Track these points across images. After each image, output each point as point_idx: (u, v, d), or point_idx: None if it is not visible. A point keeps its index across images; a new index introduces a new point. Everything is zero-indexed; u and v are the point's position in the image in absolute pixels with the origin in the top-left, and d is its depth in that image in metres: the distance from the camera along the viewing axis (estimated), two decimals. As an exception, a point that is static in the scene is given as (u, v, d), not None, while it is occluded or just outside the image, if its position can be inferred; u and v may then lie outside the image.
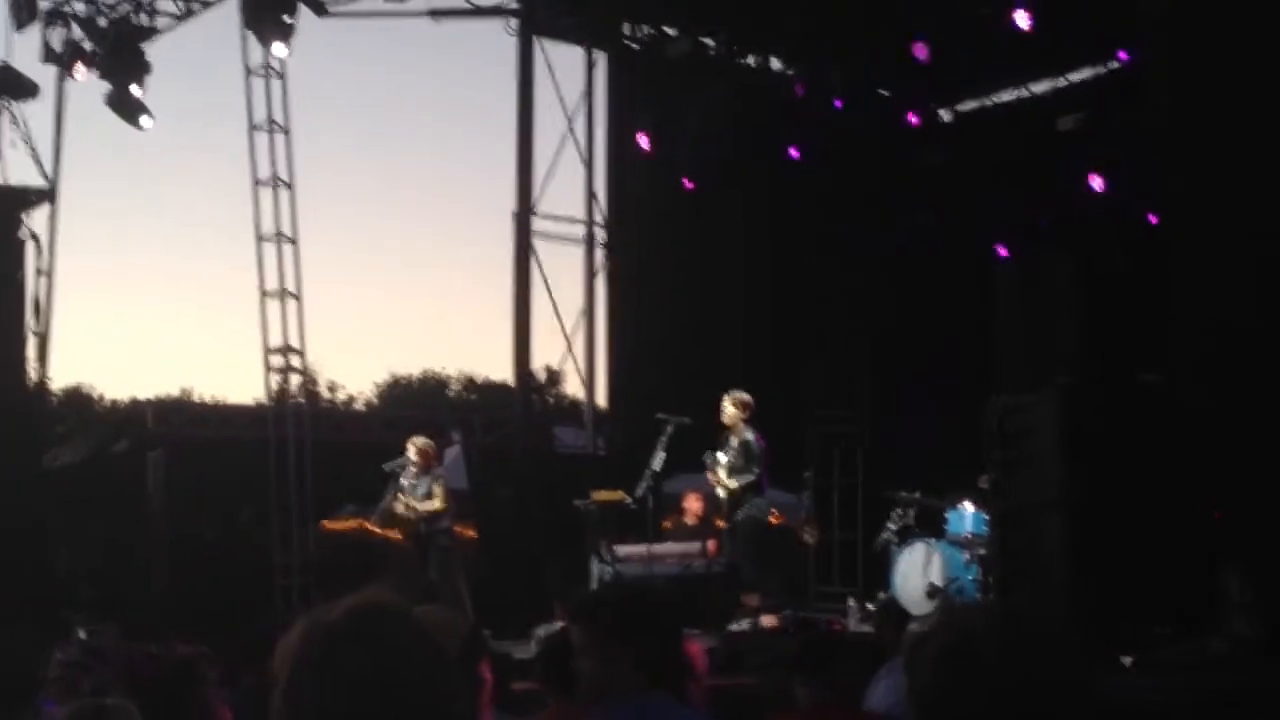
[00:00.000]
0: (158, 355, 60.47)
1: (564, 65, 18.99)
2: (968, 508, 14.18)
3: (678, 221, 18.99)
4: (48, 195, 17.02)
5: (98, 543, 16.84)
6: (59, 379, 35.35)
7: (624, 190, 19.32)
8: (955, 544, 14.11)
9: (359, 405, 47.56)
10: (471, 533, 15.87)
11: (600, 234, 19.31)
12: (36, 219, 16.40)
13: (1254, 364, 10.77)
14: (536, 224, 18.34)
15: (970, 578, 13.82)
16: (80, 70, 17.19)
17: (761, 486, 13.97)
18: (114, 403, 41.37)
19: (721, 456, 13.91)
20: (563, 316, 18.80)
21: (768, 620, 13.51)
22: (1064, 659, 2.47)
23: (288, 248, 16.63)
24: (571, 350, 19.09)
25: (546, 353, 19.40)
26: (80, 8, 17.19)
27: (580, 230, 19.28)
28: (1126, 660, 9.35)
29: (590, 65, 19.38)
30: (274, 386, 16.79)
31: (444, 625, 3.34)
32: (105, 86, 16.96)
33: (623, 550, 14.52)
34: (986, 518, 13.09)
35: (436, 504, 14.61)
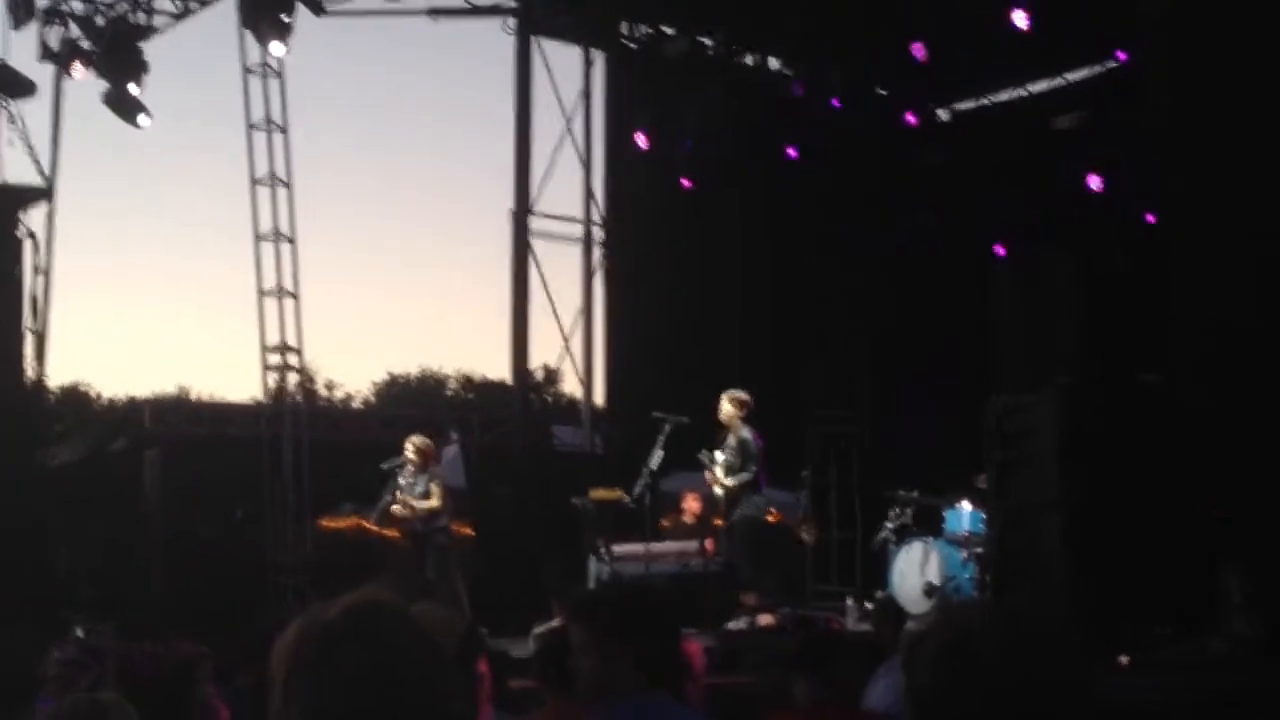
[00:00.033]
0: (155, 354, 60.52)
1: (562, 65, 19.01)
2: (965, 507, 14.19)
3: (676, 221, 18.99)
4: (45, 194, 17.00)
5: (98, 543, 16.83)
6: (56, 378, 35.33)
7: (622, 189, 19.31)
8: (953, 543, 14.12)
9: (356, 404, 47.58)
10: (469, 531, 15.86)
11: (598, 233, 19.31)
12: (34, 217, 16.38)
13: (1254, 364, 10.77)
14: (534, 223, 18.35)
15: (967, 576, 13.83)
16: (78, 69, 17.18)
17: (759, 485, 13.96)
18: (111, 401, 41.37)
19: (719, 455, 13.91)
20: (561, 315, 18.82)
21: (765, 619, 13.51)
22: (1063, 659, 2.46)
23: (285, 246, 16.66)
24: (569, 349, 19.10)
25: (544, 352, 19.42)
26: (78, 6, 17.19)
27: (578, 229, 19.28)
28: (1123, 659, 9.34)
29: (588, 64, 19.38)
30: (271, 385, 16.81)
31: (441, 623, 3.33)
32: (103, 85, 16.95)
33: (620, 549, 14.52)
34: (984, 516, 13.10)
35: (433, 503, 14.59)
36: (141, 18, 17.13)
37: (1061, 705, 2.41)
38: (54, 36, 17.28)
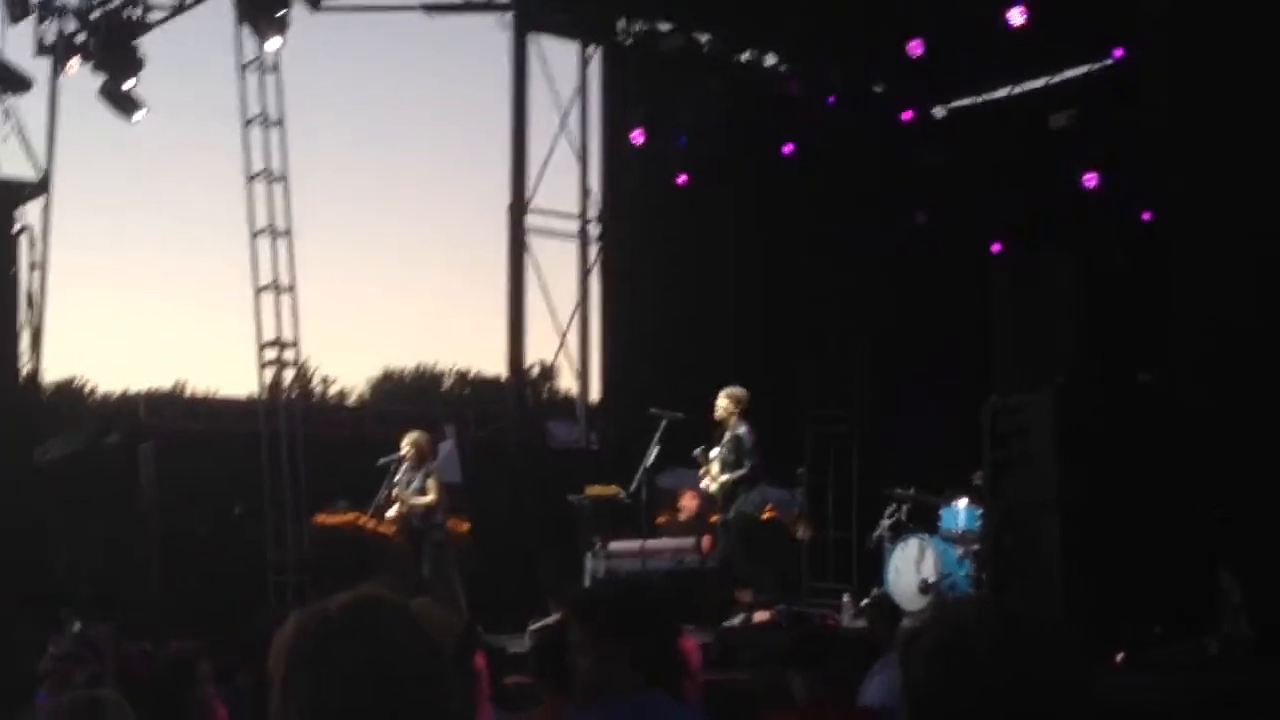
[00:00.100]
0: (151, 349, 60.28)
1: (558, 61, 19.00)
2: (961, 504, 14.20)
3: (672, 217, 18.99)
4: (41, 188, 16.96)
5: (97, 542, 16.80)
6: (52, 373, 35.26)
7: (618, 185, 19.30)
8: (948, 540, 14.13)
9: (351, 400, 47.49)
10: (465, 527, 15.84)
11: (594, 229, 19.30)
12: (30, 212, 16.36)
13: (1253, 364, 10.77)
14: (530, 219, 18.35)
15: (963, 574, 13.84)
16: (73, 64, 17.16)
17: (754, 481, 13.95)
18: (106, 396, 41.28)
19: (713, 452, 13.91)
20: (557, 311, 18.82)
21: (760, 616, 13.50)
22: (1059, 658, 2.46)
23: (282, 241, 16.65)
24: (565, 345, 19.10)
25: (540, 348, 19.37)
26: (73, 1, 17.17)
27: (574, 225, 19.27)
28: (1119, 657, 9.35)
29: (584, 61, 19.37)
30: (267, 380, 16.79)
31: (438, 620, 3.33)
32: (99, 80, 16.93)
33: (616, 545, 14.52)
34: (980, 514, 13.10)
35: (429, 498, 14.58)
36: (137, 12, 17.10)
37: (1057, 704, 2.41)
38: (50, 31, 17.26)
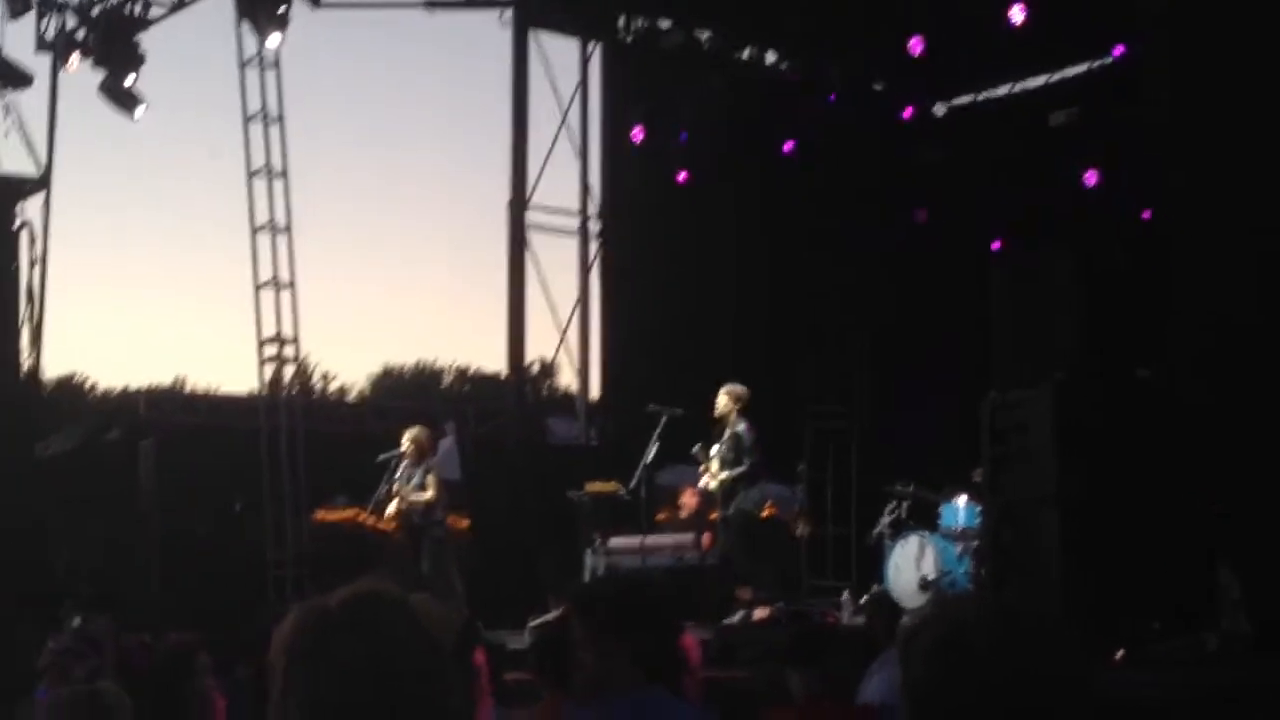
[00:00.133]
0: (151, 346, 60.24)
1: (558, 57, 19.00)
2: (961, 501, 14.19)
3: (672, 214, 18.99)
4: (42, 184, 16.97)
5: (97, 542, 16.79)
6: (52, 369, 35.26)
7: (618, 182, 19.29)
8: (948, 537, 14.12)
9: (351, 396, 47.45)
10: (464, 524, 15.85)
11: (594, 226, 19.29)
12: (30, 208, 16.36)
13: (1253, 359, 10.77)
14: (531, 216, 18.35)
15: (963, 571, 13.83)
16: (74, 60, 17.16)
17: (754, 478, 13.95)
18: (106, 392, 41.26)
19: (713, 449, 13.91)
20: (557, 308, 18.81)
21: (760, 613, 13.50)
22: (1058, 654, 2.46)
23: (282, 237, 16.65)
24: (565, 342, 19.10)
25: (540, 344, 19.39)
26: (74, -3, 17.17)
27: (574, 222, 19.27)
28: (1119, 654, 9.35)
29: (585, 57, 19.36)
30: (267, 376, 16.80)
31: (438, 616, 3.34)
32: (99, 76, 16.93)
33: (616, 542, 14.52)
34: (979, 511, 13.09)
35: (429, 495, 14.58)
36: (138, 8, 17.10)
37: (1057, 700, 2.41)
38: (50, 27, 17.27)
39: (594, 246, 19.25)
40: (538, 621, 11.66)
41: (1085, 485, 10.15)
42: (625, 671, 4.18)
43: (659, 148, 19.00)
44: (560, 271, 19.25)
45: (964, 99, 20.77)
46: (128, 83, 16.88)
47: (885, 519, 14.80)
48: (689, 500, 15.01)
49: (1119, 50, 17.92)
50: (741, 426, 13.82)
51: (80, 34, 17.12)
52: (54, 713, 4.94)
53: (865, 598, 13.72)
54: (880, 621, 10.64)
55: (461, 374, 48.66)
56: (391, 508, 14.66)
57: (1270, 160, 11.17)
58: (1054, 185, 18.61)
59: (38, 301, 16.64)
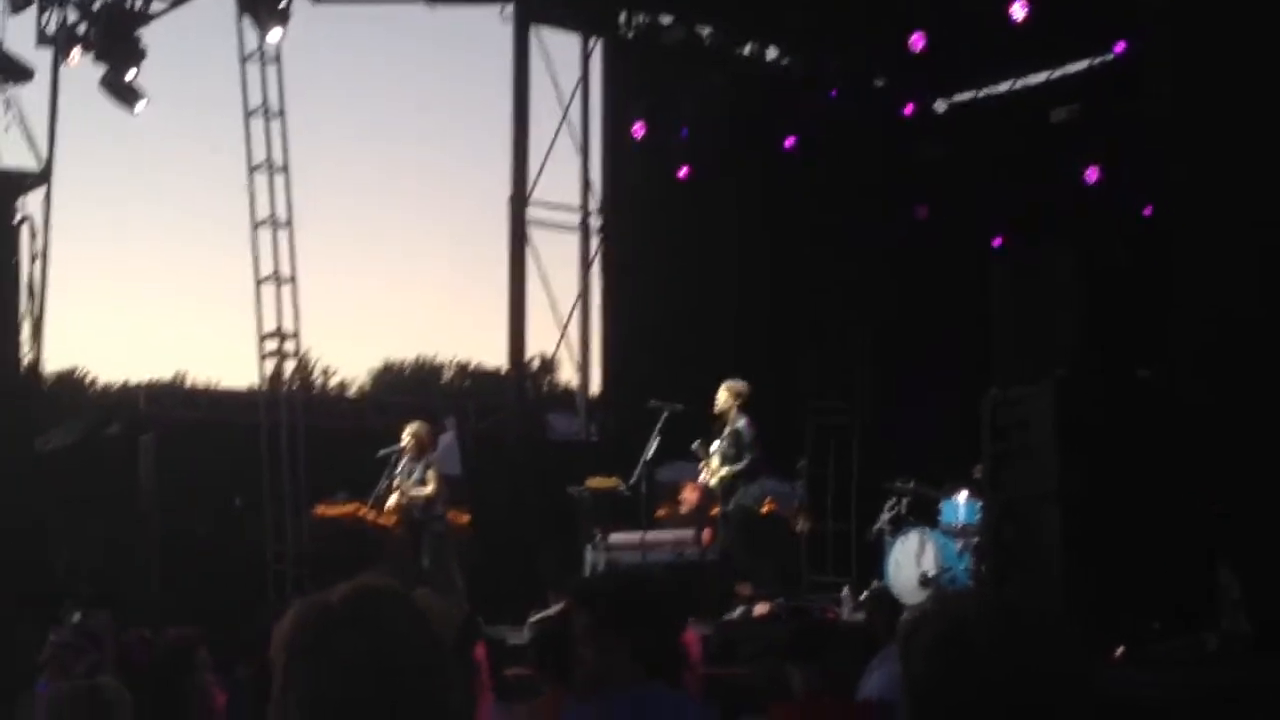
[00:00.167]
0: (152, 341, 60.22)
1: (560, 53, 19.00)
2: (961, 498, 14.18)
3: (673, 210, 18.99)
4: (42, 179, 16.96)
5: (97, 542, 16.78)
6: (52, 363, 35.25)
7: (620, 178, 19.29)
8: (949, 534, 14.11)
9: (351, 392, 47.45)
10: (465, 519, 15.85)
11: (595, 221, 19.29)
12: (31, 202, 16.35)
13: (1255, 356, 10.76)
14: (531, 211, 18.34)
15: (963, 567, 13.82)
16: (75, 54, 17.15)
17: (753, 474, 13.95)
18: (107, 387, 41.25)
19: (713, 446, 13.91)
20: (557, 304, 18.81)
21: (760, 609, 13.50)
22: (1058, 651, 2.46)
23: (282, 233, 16.64)
24: (566, 338, 19.10)
25: (541, 340, 19.40)
26: (75, -9, 17.15)
27: (575, 218, 19.27)
28: (1119, 651, 9.35)
29: (586, 53, 19.36)
30: (268, 371, 16.79)
31: (439, 612, 3.34)
32: (100, 70, 16.91)
33: (616, 537, 14.52)
34: (980, 507, 13.09)
35: (429, 490, 14.59)
36: (139, 3, 17.08)
37: (1057, 697, 2.41)
38: (51, 21, 17.25)
39: (595, 242, 19.25)
40: (538, 617, 11.65)
41: (1086, 482, 10.15)
42: (625, 667, 4.19)
43: (660, 143, 19.00)
44: (561, 267, 19.28)
45: (965, 95, 20.77)
46: (129, 77, 16.87)
47: (885, 515, 14.80)
48: (689, 495, 15.01)
49: (1120, 47, 17.92)
50: (741, 422, 13.82)
51: (81, 28, 17.10)
52: (54, 707, 4.94)
53: (865, 594, 13.72)
54: (880, 618, 10.63)
55: (462, 369, 48.67)
56: (391, 501, 14.67)
57: (1272, 156, 11.16)
58: (1055, 182, 18.62)
59: (38, 296, 16.63)
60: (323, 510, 15.96)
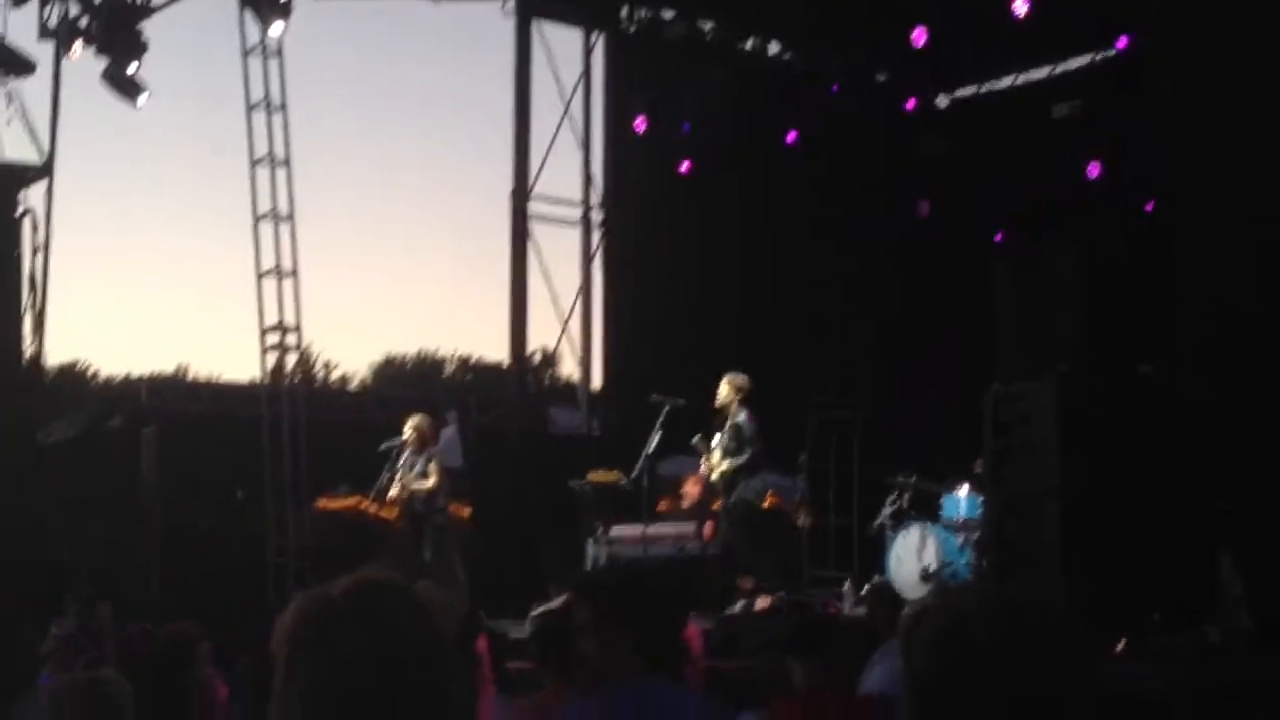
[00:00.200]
0: (154, 334, 60.26)
1: (561, 47, 18.99)
2: (963, 492, 14.19)
3: (675, 204, 18.99)
4: (44, 172, 16.94)
5: (99, 532, 16.77)
6: (54, 356, 35.25)
7: (621, 172, 19.28)
8: (950, 528, 14.12)
9: (353, 385, 47.45)
10: (466, 512, 15.86)
11: (597, 216, 19.29)
12: (33, 195, 16.34)
13: (1257, 352, 10.75)
14: (533, 206, 18.34)
15: (964, 562, 13.83)
16: (77, 47, 17.13)
17: (755, 468, 13.95)
18: (109, 380, 41.26)
19: (715, 439, 13.91)
20: (559, 298, 18.81)
21: (761, 603, 13.50)
22: (1060, 647, 2.46)
23: (284, 226, 16.63)
24: (568, 332, 19.10)
25: (542, 334, 19.42)
26: (77, -15, 17.12)
27: (577, 212, 19.26)
28: (1121, 644, 9.35)
29: (588, 47, 19.35)
30: (270, 365, 16.79)
31: (441, 604, 3.34)
32: (102, 64, 16.89)
33: (618, 531, 14.52)
34: (981, 501, 13.09)
35: (431, 483, 14.60)
36: (141, -4, 17.06)
37: (1059, 693, 2.41)
38: (53, 15, 17.22)
39: (596, 236, 19.25)
40: (539, 610, 11.66)
41: (1088, 478, 10.14)
42: (627, 661, 4.19)
43: (662, 138, 19.00)
44: (562, 261, 19.28)
45: (967, 90, 20.76)
46: (130, 71, 16.85)
47: (887, 509, 14.80)
48: (691, 489, 15.02)
49: (1122, 42, 17.91)
50: (742, 416, 13.81)
51: (83, 21, 17.07)
52: (55, 700, 4.95)
53: (866, 588, 13.73)
54: (881, 612, 10.64)
55: (464, 363, 48.70)
56: (393, 493, 14.68)
57: (1273, 153, 11.15)
58: (1057, 178, 18.63)
59: (40, 289, 16.62)
60: (324, 504, 15.96)
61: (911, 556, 14.06)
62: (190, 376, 39.22)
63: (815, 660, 6.48)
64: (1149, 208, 16.41)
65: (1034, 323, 10.91)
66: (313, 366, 39.79)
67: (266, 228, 16.59)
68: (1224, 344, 10.98)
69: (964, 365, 15.14)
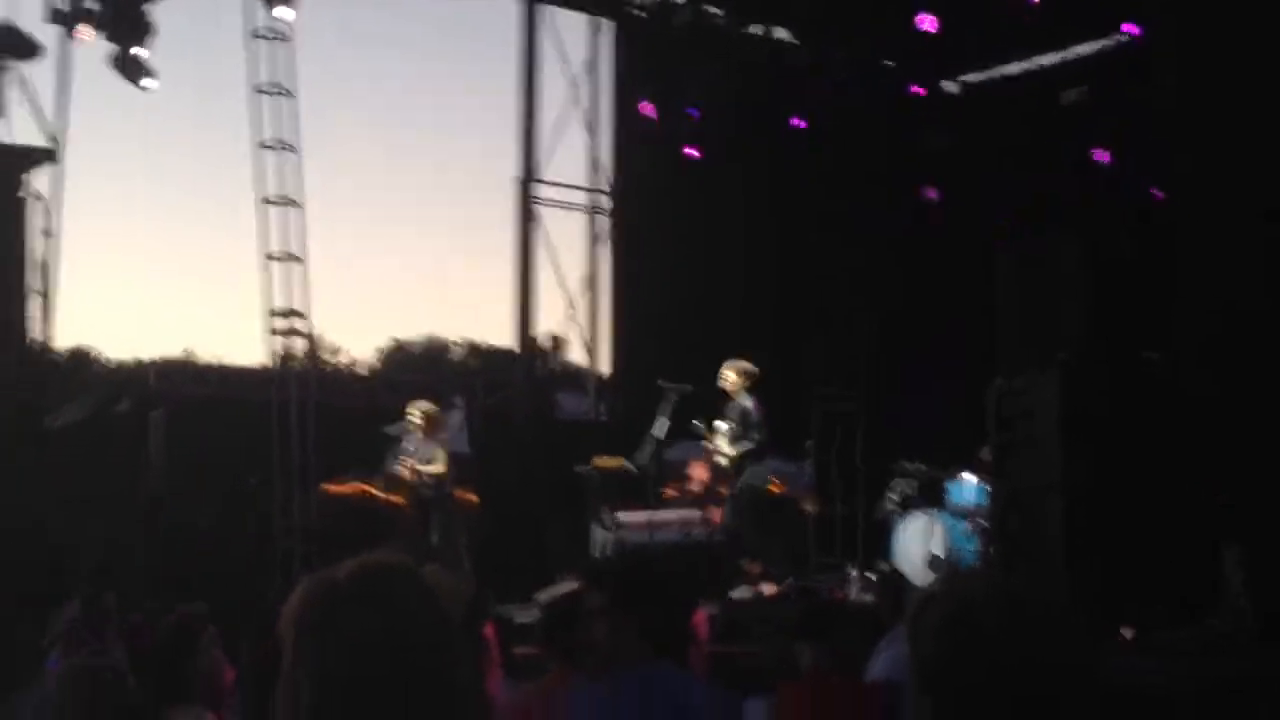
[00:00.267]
0: (162, 318, 60.44)
1: (569, 34, 19.00)
2: (968, 479, 14.19)
3: (681, 191, 18.97)
4: (51, 155, 16.94)
5: (106, 516, 16.76)
6: (62, 340, 35.30)
7: (628, 159, 19.29)
8: (956, 515, 14.13)
9: (360, 370, 47.50)
10: (473, 497, 15.88)
11: (604, 202, 19.28)
12: (40, 179, 16.33)
13: (1260, 346, 10.75)
14: (540, 191, 18.35)
15: (971, 549, 13.84)
16: (84, 31, 17.12)
17: (760, 454, 13.95)
18: (118, 364, 41.30)
19: (722, 425, 13.91)
20: (566, 283, 18.82)
21: (768, 589, 13.51)
22: (1065, 642, 2.46)
23: (292, 211, 16.63)
24: (574, 317, 19.11)
25: (549, 319, 19.46)
26: (85, -32, 17.11)
27: (584, 198, 19.27)
28: (1126, 634, 9.36)
29: (595, 34, 19.34)
30: (278, 350, 16.79)
31: (448, 588, 3.34)
32: (109, 48, 16.88)
33: (624, 516, 14.53)
34: (988, 489, 13.09)
35: (438, 467, 14.62)
36: (148, -20, 17.05)
37: (1062, 688, 2.42)
38: (61, -2, 17.21)
39: (603, 222, 19.25)
40: (546, 595, 11.67)
41: (1091, 473, 10.15)
42: (634, 645, 4.20)
43: (668, 124, 18.98)
44: (569, 247, 19.29)
45: (974, 77, 20.71)
46: (138, 54, 16.85)
47: (893, 496, 14.80)
48: (698, 473, 15.02)
49: (1131, 29, 17.86)
50: (749, 401, 13.82)
51: (91, 5, 17.07)
52: (60, 684, 4.95)
53: (872, 574, 13.74)
54: (888, 599, 10.64)
55: (471, 348, 48.76)
56: (401, 475, 14.70)
57: (1277, 147, 11.14)
58: (1062, 169, 18.59)
59: (49, 273, 16.63)
60: (332, 487, 15.97)
61: (918, 543, 14.07)
62: (198, 360, 39.26)
63: (822, 645, 6.49)
64: (1157, 195, 16.37)
65: (1037, 316, 10.90)
66: (318, 349, 39.82)
67: (274, 211, 16.58)
68: (1227, 338, 10.98)
69: (967, 358, 15.14)
